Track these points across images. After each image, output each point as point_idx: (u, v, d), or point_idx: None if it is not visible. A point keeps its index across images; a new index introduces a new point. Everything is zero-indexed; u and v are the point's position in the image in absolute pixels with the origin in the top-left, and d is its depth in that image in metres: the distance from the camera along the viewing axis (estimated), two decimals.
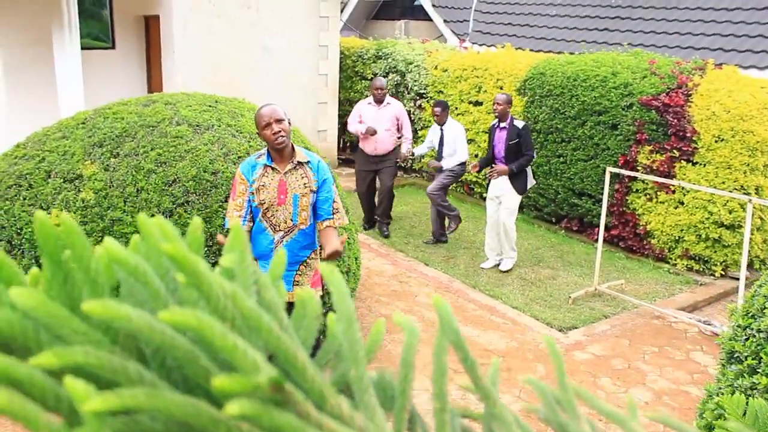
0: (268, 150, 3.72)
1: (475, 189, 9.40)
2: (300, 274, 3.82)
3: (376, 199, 7.95)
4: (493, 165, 6.73)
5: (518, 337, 5.49)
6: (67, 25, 8.19)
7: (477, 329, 5.59)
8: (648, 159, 7.33)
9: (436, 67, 9.80)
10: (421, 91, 10.04)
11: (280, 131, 3.61)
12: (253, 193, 3.65)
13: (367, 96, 10.89)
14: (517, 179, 6.66)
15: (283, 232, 3.70)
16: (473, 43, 11.60)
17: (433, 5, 12.53)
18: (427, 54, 10.09)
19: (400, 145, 7.77)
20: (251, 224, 3.72)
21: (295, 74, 10.04)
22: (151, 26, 9.90)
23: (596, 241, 7.68)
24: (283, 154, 3.68)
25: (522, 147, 6.56)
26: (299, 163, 3.72)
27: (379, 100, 7.64)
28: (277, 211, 3.66)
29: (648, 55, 7.97)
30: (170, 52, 9.20)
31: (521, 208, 8.28)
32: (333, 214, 3.74)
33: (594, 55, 8.25)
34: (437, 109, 7.35)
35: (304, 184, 3.71)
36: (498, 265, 6.98)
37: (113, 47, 9.93)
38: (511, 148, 6.55)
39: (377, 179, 7.80)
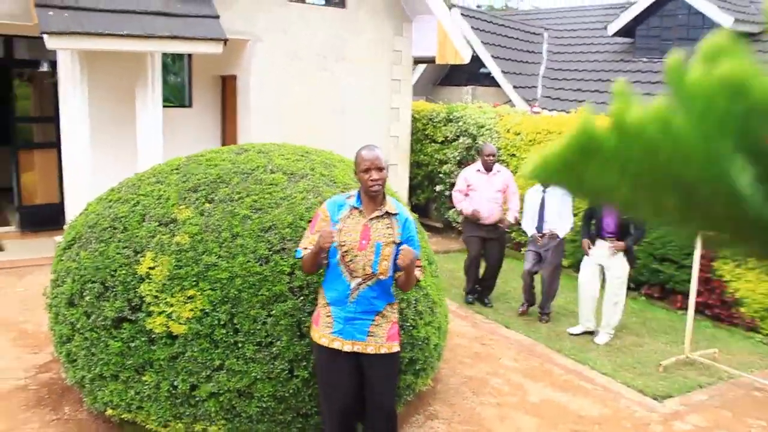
0: (359, 192, 3.68)
1: None
2: (375, 325, 3.65)
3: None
4: (605, 239, 6.42)
5: (611, 404, 5.20)
6: (151, 85, 8.42)
7: (566, 394, 5.31)
8: None
9: (508, 131, 9.74)
10: None
11: (378, 179, 3.58)
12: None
13: (445, 157, 10.85)
14: (629, 252, 6.45)
15: (361, 278, 3.59)
16: (543, 108, 11.56)
17: (502, 71, 12.59)
18: (498, 117, 10.06)
19: (505, 214, 7.33)
20: (325, 261, 3.63)
21: (367, 135, 10.09)
22: (227, 85, 10.13)
23: (680, 308, 7.37)
24: (375, 200, 3.65)
25: (633, 221, 6.34)
26: (387, 213, 3.67)
27: (488, 168, 7.29)
28: (356, 256, 3.57)
29: None
30: (246, 110, 9.38)
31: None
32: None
33: None
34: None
35: (389, 234, 3.63)
36: (591, 333, 6.65)
37: (190, 106, 10.18)
38: (623, 221, 6.32)
39: (485, 248, 7.38)
